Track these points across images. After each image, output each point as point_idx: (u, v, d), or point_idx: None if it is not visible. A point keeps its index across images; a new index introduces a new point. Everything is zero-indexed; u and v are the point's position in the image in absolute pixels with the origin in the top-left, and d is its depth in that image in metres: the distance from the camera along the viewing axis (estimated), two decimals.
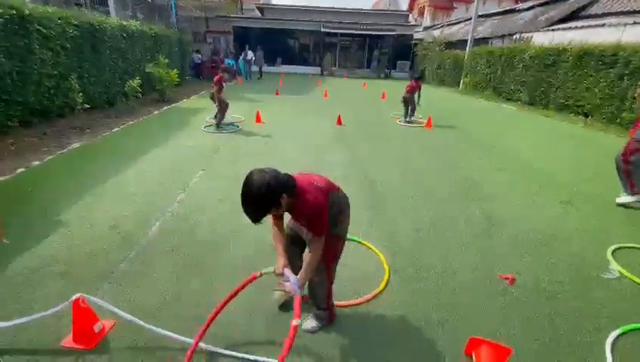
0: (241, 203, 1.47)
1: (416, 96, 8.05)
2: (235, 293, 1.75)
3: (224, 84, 6.63)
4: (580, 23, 11.99)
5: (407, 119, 8.17)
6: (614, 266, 2.66)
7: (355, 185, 4.18)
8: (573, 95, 10.02)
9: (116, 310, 1.79)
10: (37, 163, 4.48)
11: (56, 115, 6.76)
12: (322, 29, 22.30)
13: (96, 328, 1.84)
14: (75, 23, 7.12)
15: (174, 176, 4.27)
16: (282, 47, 23.15)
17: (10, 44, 5.48)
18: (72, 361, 1.73)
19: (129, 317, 1.79)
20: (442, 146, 6.19)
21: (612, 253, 2.84)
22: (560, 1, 15.42)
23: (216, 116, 6.75)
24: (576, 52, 9.88)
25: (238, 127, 6.94)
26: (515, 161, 5.42)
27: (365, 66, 24.75)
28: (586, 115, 9.55)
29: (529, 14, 16.24)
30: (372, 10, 31.17)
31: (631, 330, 2.03)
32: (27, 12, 5.83)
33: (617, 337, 1.98)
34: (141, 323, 1.79)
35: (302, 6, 24.62)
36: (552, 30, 12.65)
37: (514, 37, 14.82)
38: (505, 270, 2.60)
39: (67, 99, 6.89)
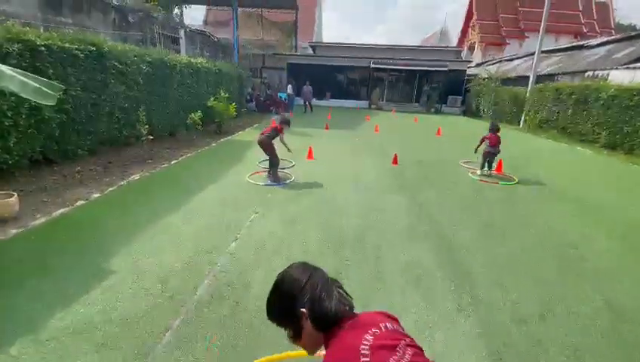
0: None
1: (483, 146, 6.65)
2: None
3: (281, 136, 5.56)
4: None
5: (486, 172, 6.59)
6: None
7: (427, 247, 3.60)
8: None
9: None
10: (97, 195, 4.51)
11: (122, 145, 7.08)
12: (372, 65, 22.52)
13: None
14: (149, 59, 7.61)
15: (226, 217, 4.01)
16: (332, 81, 23.63)
17: (87, 78, 5.87)
18: None
19: None
20: (522, 199, 5.39)
21: None
22: (637, 37, 14.06)
23: (269, 172, 5.63)
24: None
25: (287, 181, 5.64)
26: (618, 222, 4.48)
27: (414, 101, 24.35)
28: None
29: (601, 51, 14.97)
30: (423, 46, 31.23)
31: None
32: (106, 48, 6.30)
33: None
34: None
35: (352, 44, 25.29)
36: (635, 68, 11.36)
37: (586, 74, 13.60)
38: None
39: (134, 130, 7.23)
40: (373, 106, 23.13)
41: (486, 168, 6.62)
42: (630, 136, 9.72)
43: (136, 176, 5.43)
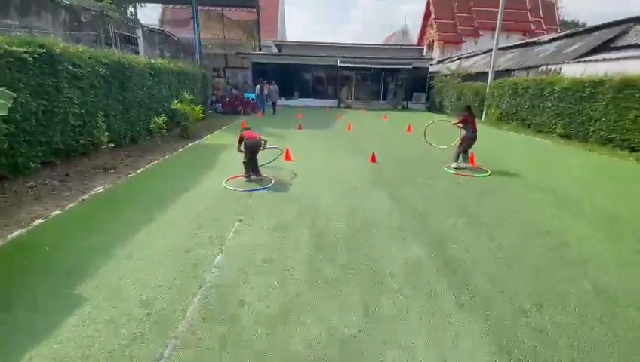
0: None
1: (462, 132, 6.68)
2: None
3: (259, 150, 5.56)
4: (614, 55, 11.60)
5: (463, 165, 6.63)
6: None
7: (418, 245, 3.58)
8: (616, 128, 9.40)
9: None
10: (57, 212, 4.04)
11: (79, 154, 6.48)
12: (339, 64, 22.63)
13: None
14: (105, 61, 7.03)
15: (208, 228, 3.75)
16: (299, 80, 23.45)
17: (37, 83, 5.30)
18: None
19: None
20: (497, 190, 5.57)
21: None
22: (584, 33, 15.22)
23: (249, 175, 5.59)
24: (617, 83, 9.38)
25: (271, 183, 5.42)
26: (587, 208, 4.74)
27: (381, 98, 24.82)
28: (634, 150, 8.86)
29: (551, 47, 16.05)
30: (386, 44, 31.91)
31: None
32: (58, 51, 5.72)
33: None
34: None
35: (319, 42, 25.27)
36: (585, 62, 12.27)
37: (539, 69, 14.52)
38: None
39: (92, 138, 6.64)
40: (342, 105, 23.27)
41: (461, 160, 6.62)
42: (584, 125, 10.47)
43: (99, 189, 4.96)
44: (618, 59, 11.04)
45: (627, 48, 11.82)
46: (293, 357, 2.03)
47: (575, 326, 2.36)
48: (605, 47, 12.84)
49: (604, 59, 11.51)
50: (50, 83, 5.58)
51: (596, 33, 14.11)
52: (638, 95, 8.82)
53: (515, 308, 2.53)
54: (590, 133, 10.21)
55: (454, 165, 6.66)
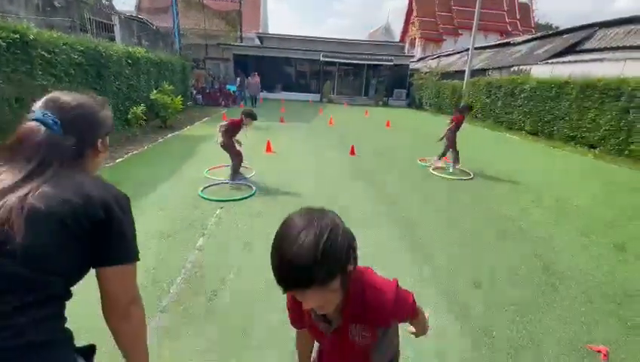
0: (280, 271, 0.75)
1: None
2: None
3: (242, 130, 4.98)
4: (578, 57, 12.32)
5: (451, 170, 6.25)
6: None
7: (389, 226, 3.84)
8: (578, 126, 10.06)
9: None
10: None
11: None
12: (322, 58, 22.71)
13: None
14: (81, 48, 6.88)
15: (191, 215, 3.86)
16: (282, 74, 23.38)
17: (10, 70, 5.17)
18: None
19: None
20: (468, 179, 5.93)
21: None
22: (554, 36, 16.01)
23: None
24: (579, 85, 10.02)
25: (253, 192, 4.72)
26: (545, 197, 5.16)
27: (363, 94, 25.12)
28: (592, 147, 9.54)
29: (524, 48, 16.78)
30: (369, 40, 32.17)
31: None
32: (31, 37, 5.58)
33: None
34: None
35: (302, 36, 25.22)
36: (552, 63, 12.96)
37: (512, 69, 15.18)
38: (591, 340, 2.24)
39: None
40: (324, 100, 23.40)
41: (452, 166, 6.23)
42: (549, 123, 11.13)
43: None
44: (582, 61, 11.74)
45: (591, 52, 12.58)
46: (270, 337, 2.21)
47: (521, 295, 2.67)
48: (572, 50, 13.60)
49: (569, 62, 12.21)
50: (24, 70, 5.45)
51: (565, 36, 14.89)
52: (596, 96, 9.47)
53: (468, 282, 2.82)
54: (555, 131, 10.88)
55: (451, 170, 6.22)
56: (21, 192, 0.74)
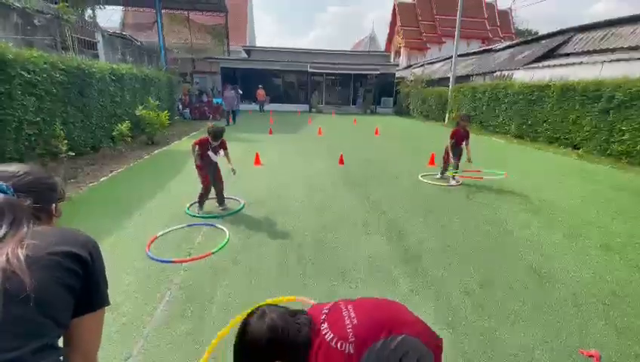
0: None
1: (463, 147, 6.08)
2: None
3: (210, 152, 4.26)
4: (557, 62, 12.68)
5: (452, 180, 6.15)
6: None
7: (379, 237, 3.81)
8: (561, 128, 10.29)
9: None
10: None
11: (36, 164, 6.19)
12: (309, 69, 22.93)
13: None
14: (63, 67, 6.79)
15: (177, 235, 3.78)
16: (270, 86, 23.49)
17: None
18: None
19: None
20: (455, 184, 5.96)
21: None
22: (533, 42, 16.48)
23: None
24: (559, 88, 10.29)
25: (241, 206, 4.63)
26: (532, 199, 5.21)
27: (351, 103, 25.39)
28: (576, 147, 9.75)
29: (506, 54, 17.22)
30: (355, 51, 32.70)
31: None
32: (10, 56, 5.49)
33: None
34: None
35: (289, 48, 25.50)
36: (533, 68, 13.31)
37: (495, 74, 15.53)
38: (583, 344, 2.22)
39: (49, 147, 6.38)
40: (313, 110, 23.56)
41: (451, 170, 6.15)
42: (533, 126, 11.36)
43: None
44: (561, 65, 12.09)
45: (569, 56, 12.97)
46: None
47: (508, 300, 2.65)
48: (551, 54, 14.00)
49: (549, 66, 12.56)
50: (2, 90, 5.34)
51: (544, 42, 15.34)
52: (577, 98, 9.73)
53: (459, 288, 2.80)
54: (539, 133, 11.10)
55: (454, 182, 6.07)
56: (8, 248, 0.73)
